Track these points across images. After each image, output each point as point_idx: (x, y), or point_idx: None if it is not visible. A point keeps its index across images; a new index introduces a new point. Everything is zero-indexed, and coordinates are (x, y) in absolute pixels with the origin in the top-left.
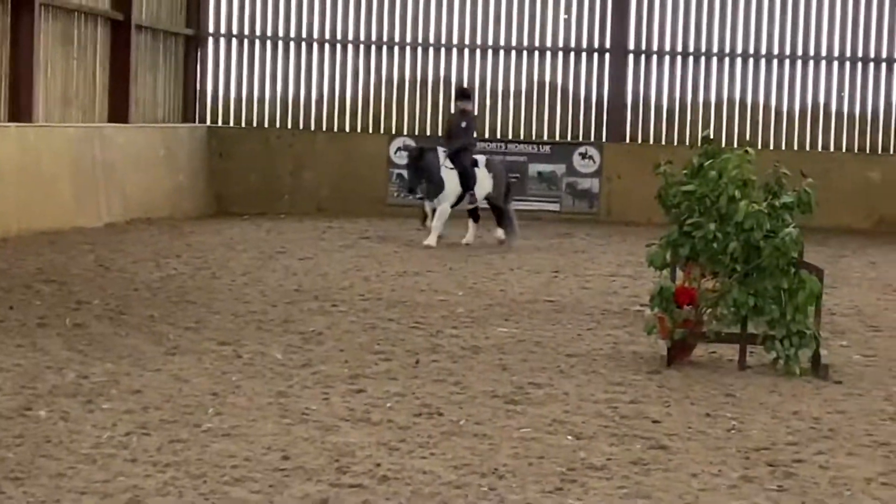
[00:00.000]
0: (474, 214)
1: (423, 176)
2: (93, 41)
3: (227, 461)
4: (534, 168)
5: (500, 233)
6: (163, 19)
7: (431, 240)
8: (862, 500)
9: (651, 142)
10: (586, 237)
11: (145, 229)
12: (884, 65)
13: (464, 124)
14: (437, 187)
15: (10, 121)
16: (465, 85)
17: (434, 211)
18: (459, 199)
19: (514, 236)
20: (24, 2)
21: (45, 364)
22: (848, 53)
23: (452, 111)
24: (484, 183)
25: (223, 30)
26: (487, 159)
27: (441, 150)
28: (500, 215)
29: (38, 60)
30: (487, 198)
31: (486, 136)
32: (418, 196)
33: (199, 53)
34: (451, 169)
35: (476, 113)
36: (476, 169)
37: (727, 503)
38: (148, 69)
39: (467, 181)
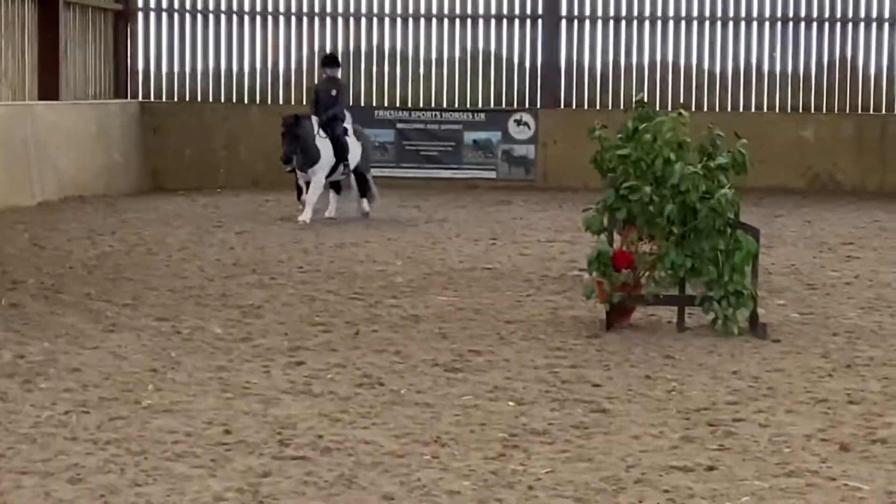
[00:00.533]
0: (336, 186)
1: (298, 145)
2: (21, 18)
3: (168, 437)
4: (469, 136)
5: (364, 204)
6: None
7: (306, 214)
8: (802, 457)
9: (586, 107)
10: (523, 204)
11: (79, 207)
12: (815, 24)
13: (334, 92)
14: (311, 157)
15: None
16: (333, 51)
17: (308, 184)
18: (333, 169)
19: (373, 203)
20: None
21: None
22: (779, 14)
23: (317, 80)
24: (355, 152)
25: (152, 4)
26: (355, 127)
27: (314, 119)
28: (363, 185)
29: None
30: (355, 167)
31: (421, 105)
32: (289, 169)
33: (129, 28)
34: (325, 138)
35: (345, 81)
36: (346, 138)
37: (669, 463)
38: (78, 46)
39: (342, 151)
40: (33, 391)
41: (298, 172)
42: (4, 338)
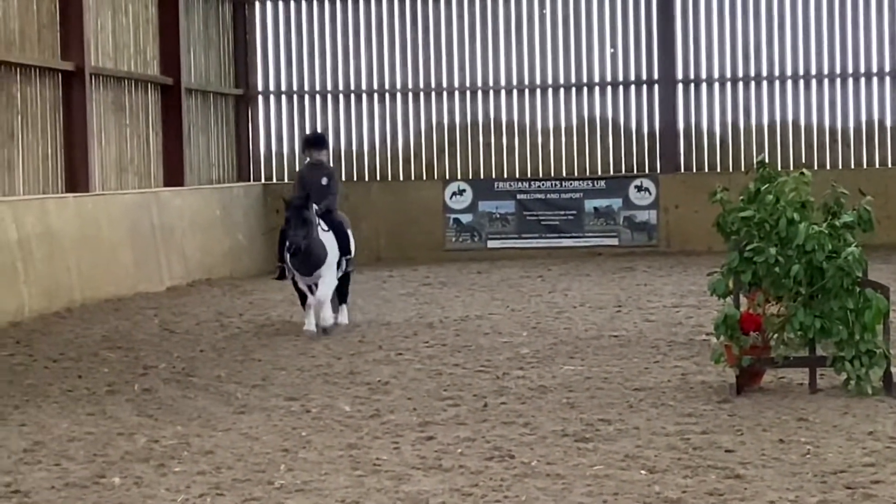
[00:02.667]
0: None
1: (307, 233)
2: (144, 107)
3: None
4: (590, 204)
5: (343, 314)
6: (212, 81)
7: (326, 317)
8: None
9: (706, 170)
10: (647, 269)
11: (207, 290)
12: None
13: (324, 181)
14: (318, 255)
15: (67, 191)
16: (318, 131)
17: (311, 288)
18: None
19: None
20: (75, 72)
21: (116, 430)
22: None
23: (300, 166)
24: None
25: (272, 87)
26: (341, 216)
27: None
28: (344, 287)
29: (91, 130)
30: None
31: (540, 174)
32: (277, 275)
33: (249, 112)
34: (327, 231)
35: (333, 164)
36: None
37: None
38: (200, 131)
39: (347, 244)
40: (167, 475)
41: (298, 275)
42: (138, 423)
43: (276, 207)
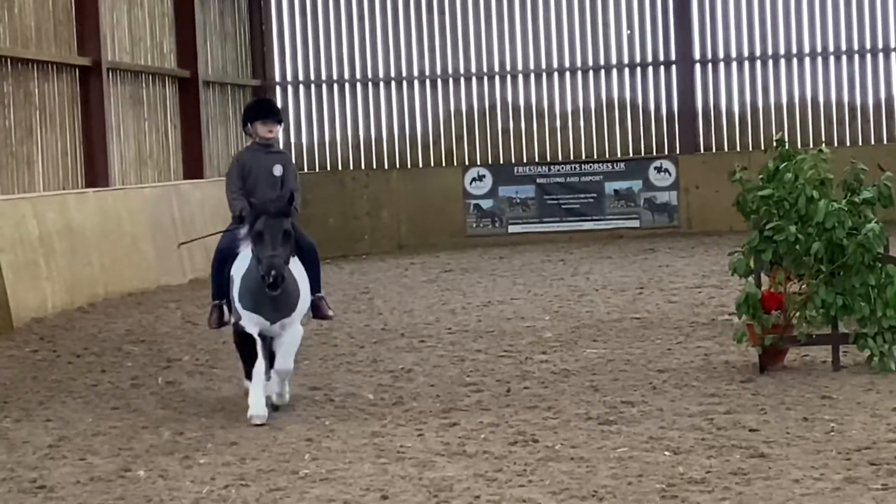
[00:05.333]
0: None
1: (289, 254)
2: (162, 100)
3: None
4: (610, 186)
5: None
6: (229, 73)
7: (282, 394)
8: None
9: (725, 149)
10: (668, 251)
11: None
12: None
13: (278, 170)
14: (289, 294)
15: (87, 186)
16: (265, 97)
17: (266, 340)
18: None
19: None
20: (91, 67)
21: (140, 424)
22: None
23: (245, 147)
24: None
25: (289, 77)
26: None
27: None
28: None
29: (110, 124)
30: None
31: (560, 158)
32: (212, 320)
33: None
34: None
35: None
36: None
37: None
38: (219, 123)
39: (318, 276)
40: (192, 467)
41: (252, 320)
42: (162, 416)
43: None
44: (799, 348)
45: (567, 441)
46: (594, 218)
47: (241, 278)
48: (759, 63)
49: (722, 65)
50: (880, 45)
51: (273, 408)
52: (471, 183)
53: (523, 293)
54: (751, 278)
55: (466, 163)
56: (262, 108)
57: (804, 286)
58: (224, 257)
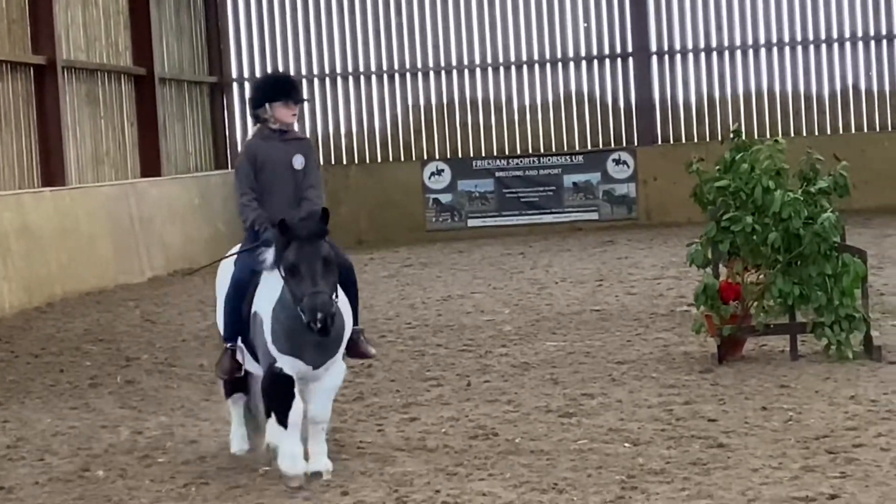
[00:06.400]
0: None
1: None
2: (118, 98)
3: (288, 502)
4: (569, 179)
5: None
6: (185, 69)
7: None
8: None
9: (683, 141)
10: (628, 243)
11: (188, 280)
12: None
13: (299, 162)
14: (339, 328)
15: (43, 185)
16: (282, 72)
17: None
18: None
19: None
20: (46, 66)
21: (99, 424)
22: (871, 32)
23: (249, 136)
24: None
25: (246, 74)
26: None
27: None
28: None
29: (65, 123)
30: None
31: (518, 152)
32: (222, 370)
33: (224, 99)
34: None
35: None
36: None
37: (790, 495)
38: (175, 120)
39: (356, 303)
40: (152, 466)
41: (288, 364)
42: (121, 415)
43: None
44: (757, 338)
45: (527, 434)
46: (553, 211)
47: (273, 316)
48: (715, 54)
49: (679, 56)
50: (835, 36)
51: (315, 474)
52: (430, 177)
53: (483, 287)
54: (709, 269)
55: (425, 157)
56: (281, 86)
57: (761, 276)
58: (240, 288)
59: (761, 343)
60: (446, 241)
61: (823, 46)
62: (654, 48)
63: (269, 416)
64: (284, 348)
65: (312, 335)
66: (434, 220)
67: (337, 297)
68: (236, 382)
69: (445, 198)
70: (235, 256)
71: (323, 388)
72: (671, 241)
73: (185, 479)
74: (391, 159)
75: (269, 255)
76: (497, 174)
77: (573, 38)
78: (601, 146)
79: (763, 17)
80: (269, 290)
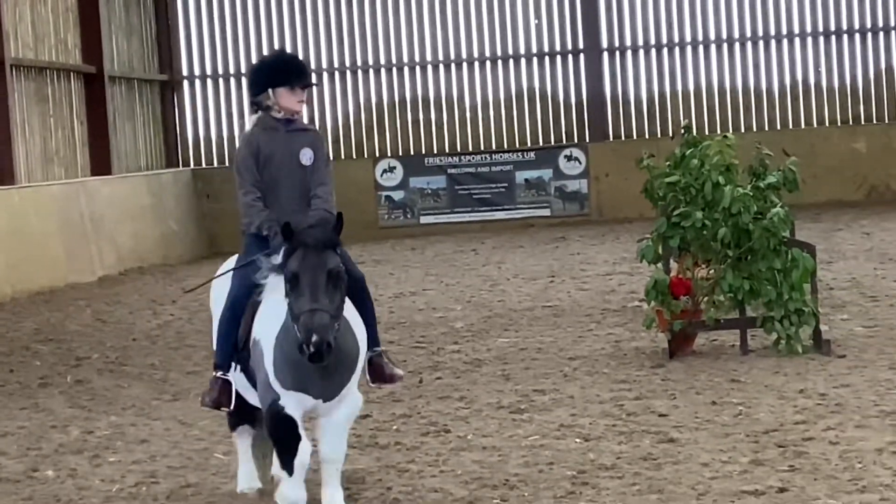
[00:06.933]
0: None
1: (341, 307)
2: (67, 96)
3: (239, 501)
4: (521, 175)
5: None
6: (135, 68)
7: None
8: (874, 472)
9: (634, 137)
10: (580, 239)
11: (140, 278)
12: (857, 35)
13: (307, 157)
14: (349, 353)
15: None
16: (288, 53)
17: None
18: None
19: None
20: None
21: (49, 423)
22: (821, 28)
23: (249, 125)
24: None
25: (197, 72)
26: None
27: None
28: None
29: (14, 121)
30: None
31: (470, 148)
32: (209, 399)
33: (175, 97)
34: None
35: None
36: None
37: (740, 489)
38: (126, 119)
39: (369, 318)
40: (102, 465)
41: (291, 399)
42: (72, 414)
43: (206, 192)
44: (707, 333)
45: (479, 430)
46: (505, 207)
47: (276, 343)
48: (665, 51)
49: (630, 53)
50: (784, 32)
51: None
52: (382, 174)
53: (435, 284)
54: (659, 264)
55: (377, 154)
56: (287, 68)
57: (712, 271)
58: (237, 308)
59: (712, 338)
60: (399, 239)
61: (773, 42)
62: (605, 45)
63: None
64: (288, 382)
65: (325, 367)
66: (386, 217)
67: (339, 322)
68: (241, 414)
69: (398, 195)
70: (234, 270)
71: (334, 422)
72: (623, 236)
73: (136, 479)
74: (343, 157)
75: (269, 263)
76: (449, 171)
77: (524, 35)
78: (553, 143)
79: (713, 13)
80: (273, 313)
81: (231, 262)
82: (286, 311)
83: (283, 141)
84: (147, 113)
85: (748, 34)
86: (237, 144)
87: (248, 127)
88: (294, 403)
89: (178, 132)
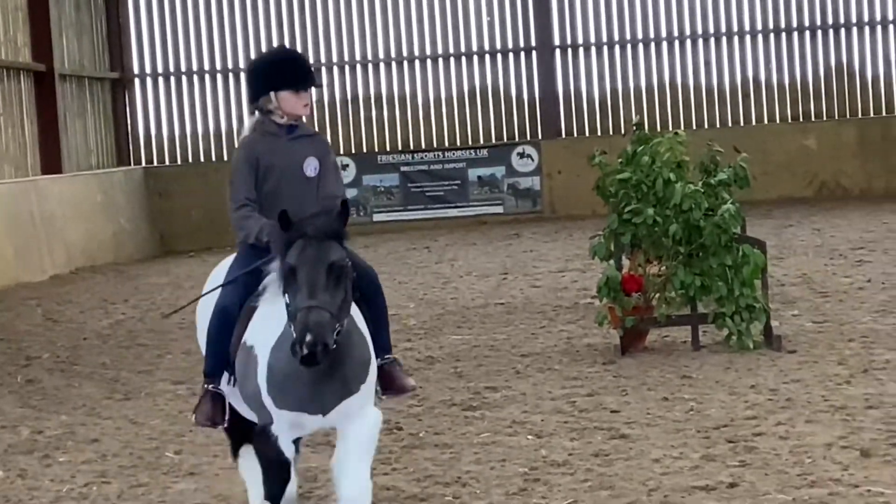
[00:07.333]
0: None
1: (345, 308)
2: (17, 95)
3: (190, 499)
4: (473, 173)
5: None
6: (86, 66)
7: None
8: (824, 466)
9: (587, 134)
10: (532, 236)
11: (91, 277)
12: (808, 33)
13: (312, 168)
14: (360, 358)
15: None
16: (293, 50)
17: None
18: None
19: None
20: None
21: None
22: (771, 25)
23: (246, 129)
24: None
25: (148, 69)
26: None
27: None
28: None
29: None
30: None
31: (423, 146)
32: (199, 418)
33: (126, 95)
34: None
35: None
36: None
37: (691, 484)
38: (77, 117)
39: (381, 321)
40: (52, 465)
41: (285, 416)
42: (22, 414)
43: (158, 191)
44: (659, 329)
45: (431, 428)
46: (458, 205)
47: (273, 356)
48: (617, 48)
49: (581, 50)
50: (735, 29)
51: None
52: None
53: (388, 281)
54: (611, 261)
55: None
56: (290, 69)
57: (663, 268)
58: (230, 311)
59: (664, 334)
60: (351, 236)
61: (724, 40)
62: (557, 42)
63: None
64: (283, 401)
65: (307, 373)
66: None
67: (342, 322)
68: (238, 433)
69: (350, 193)
70: (222, 280)
71: (352, 450)
72: (576, 233)
73: (87, 479)
74: None
75: (270, 266)
76: (402, 169)
77: (477, 32)
78: (505, 140)
79: (665, 11)
80: (270, 321)
81: (218, 270)
82: (287, 320)
83: (286, 150)
84: (98, 111)
85: (700, 31)
86: (192, 143)
87: (245, 131)
88: (288, 426)
89: (129, 130)
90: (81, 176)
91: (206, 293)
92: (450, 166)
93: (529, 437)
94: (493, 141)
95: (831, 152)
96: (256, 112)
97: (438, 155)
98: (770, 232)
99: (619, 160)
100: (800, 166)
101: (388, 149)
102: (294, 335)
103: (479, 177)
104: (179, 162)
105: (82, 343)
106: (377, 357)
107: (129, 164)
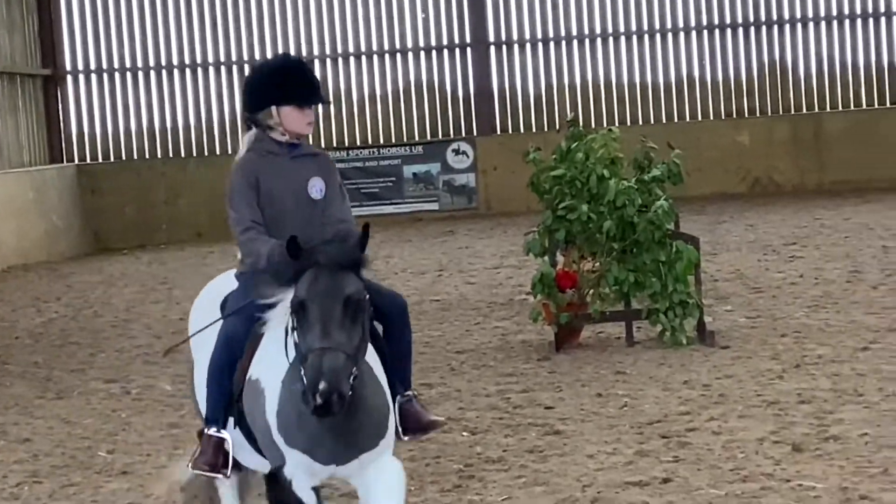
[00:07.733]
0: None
1: (362, 349)
2: None
3: (122, 499)
4: (408, 170)
5: None
6: (17, 62)
7: None
8: (756, 461)
9: (522, 131)
10: (468, 233)
11: (23, 276)
12: (741, 29)
13: (318, 190)
14: (377, 407)
15: None
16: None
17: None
18: None
19: None
20: None
21: None
22: (705, 22)
23: (247, 148)
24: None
25: (81, 66)
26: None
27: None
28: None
29: None
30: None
31: (358, 143)
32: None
33: (59, 92)
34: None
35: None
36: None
37: (624, 480)
38: (8, 113)
39: (402, 357)
40: None
41: (303, 470)
42: None
43: (91, 188)
44: (593, 325)
45: None
46: (393, 202)
47: (283, 390)
48: (552, 45)
49: (516, 47)
50: (669, 26)
51: None
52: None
53: None
54: (546, 258)
55: None
56: (295, 83)
57: (597, 264)
58: (233, 347)
59: (598, 330)
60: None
61: (658, 37)
62: (492, 39)
63: None
64: (297, 440)
65: (324, 414)
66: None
67: (359, 365)
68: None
69: None
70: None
71: (381, 500)
72: (511, 230)
73: (18, 479)
74: (230, 151)
75: (277, 295)
76: (336, 166)
77: (412, 28)
78: (440, 137)
79: (599, 7)
80: (277, 352)
81: (205, 295)
82: (296, 353)
83: (288, 170)
84: (30, 108)
85: (634, 29)
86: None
87: (241, 150)
88: (304, 472)
89: (61, 127)
90: (13, 173)
91: (207, 326)
92: (385, 163)
93: (464, 433)
94: (429, 138)
95: (764, 149)
96: (253, 127)
97: (373, 152)
98: (703, 228)
99: (554, 157)
100: (733, 162)
101: (322, 145)
102: (305, 380)
103: (414, 174)
104: (112, 159)
105: (14, 342)
106: (396, 395)
107: (62, 162)
